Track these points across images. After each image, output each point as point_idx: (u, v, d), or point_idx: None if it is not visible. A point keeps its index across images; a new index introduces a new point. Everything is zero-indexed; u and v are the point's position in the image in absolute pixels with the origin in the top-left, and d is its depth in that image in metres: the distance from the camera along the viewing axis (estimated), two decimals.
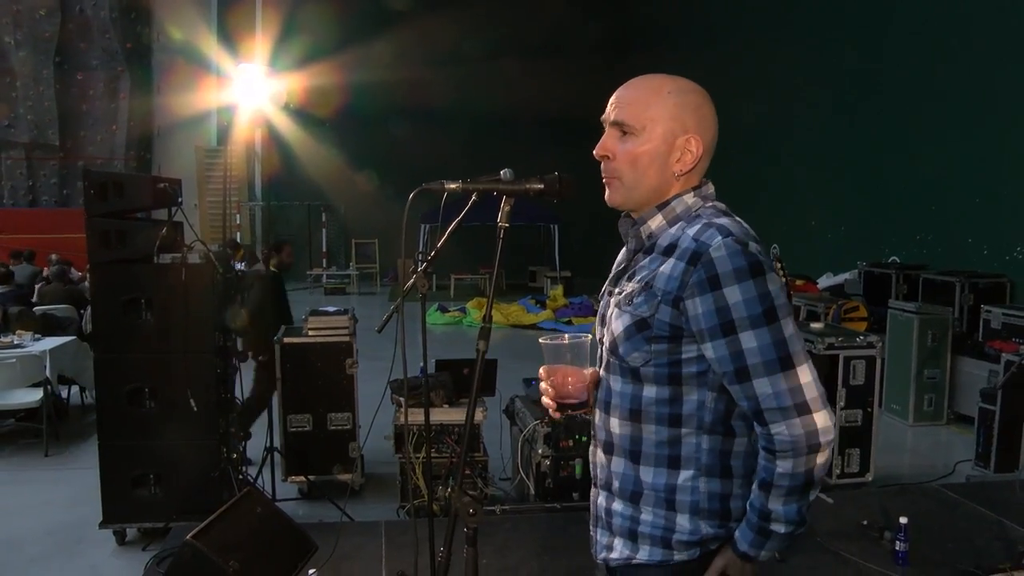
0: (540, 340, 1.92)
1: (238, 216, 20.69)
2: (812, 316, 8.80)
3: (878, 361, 6.06)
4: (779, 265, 5.11)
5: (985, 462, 6.31)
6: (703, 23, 18.69)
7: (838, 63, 12.80)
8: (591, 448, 1.96)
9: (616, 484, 1.84)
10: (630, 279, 1.80)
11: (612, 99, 1.82)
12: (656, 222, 1.80)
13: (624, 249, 1.89)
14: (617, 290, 1.84)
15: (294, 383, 5.80)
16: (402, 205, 1.99)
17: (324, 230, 22.60)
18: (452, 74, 20.91)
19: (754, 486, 1.72)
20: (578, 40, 22.06)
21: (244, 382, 5.60)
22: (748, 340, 1.63)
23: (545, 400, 1.93)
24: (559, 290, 17.07)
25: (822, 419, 1.65)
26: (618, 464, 1.84)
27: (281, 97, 6.28)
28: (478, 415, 5.28)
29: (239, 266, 12.90)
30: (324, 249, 22.39)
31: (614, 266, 1.92)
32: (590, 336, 1.90)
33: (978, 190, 9.74)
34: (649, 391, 1.75)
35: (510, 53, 21.24)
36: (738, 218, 1.76)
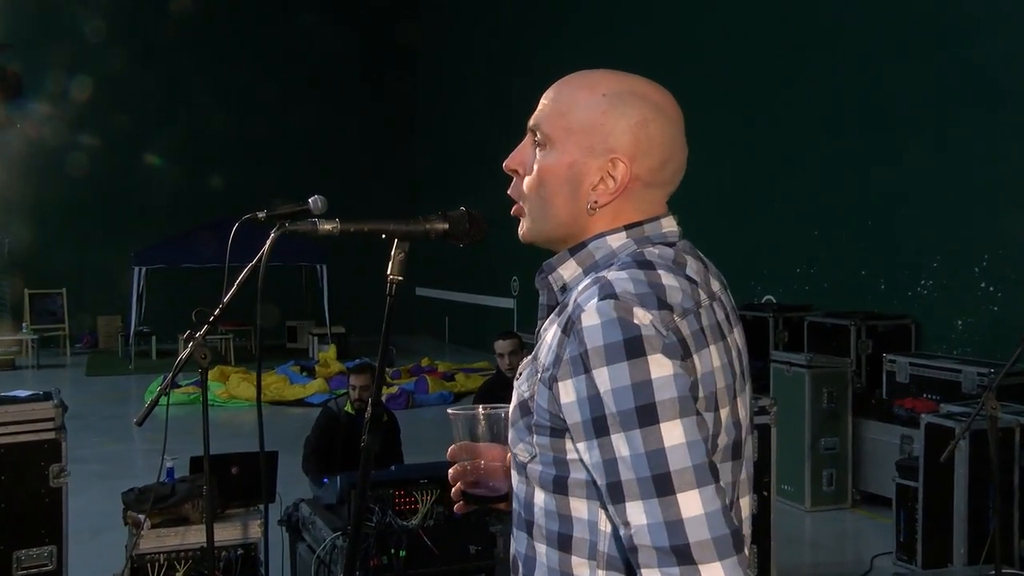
0: (449, 411, 1.92)
1: None
2: None
3: (773, 431, 6.02)
4: None
5: (909, 555, 6.45)
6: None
7: (701, 72, 13.22)
8: None
9: None
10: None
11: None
12: (569, 270, 1.73)
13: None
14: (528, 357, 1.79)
15: None
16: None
17: None
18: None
19: None
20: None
21: None
22: (620, 446, 1.50)
23: (454, 490, 1.90)
24: (331, 352, 16.83)
25: (714, 574, 1.45)
26: None
27: None
28: (254, 530, 5.16)
29: None
30: None
31: None
32: (510, 408, 1.82)
33: (871, 211, 10.21)
34: (539, 498, 1.67)
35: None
36: (663, 271, 1.59)
